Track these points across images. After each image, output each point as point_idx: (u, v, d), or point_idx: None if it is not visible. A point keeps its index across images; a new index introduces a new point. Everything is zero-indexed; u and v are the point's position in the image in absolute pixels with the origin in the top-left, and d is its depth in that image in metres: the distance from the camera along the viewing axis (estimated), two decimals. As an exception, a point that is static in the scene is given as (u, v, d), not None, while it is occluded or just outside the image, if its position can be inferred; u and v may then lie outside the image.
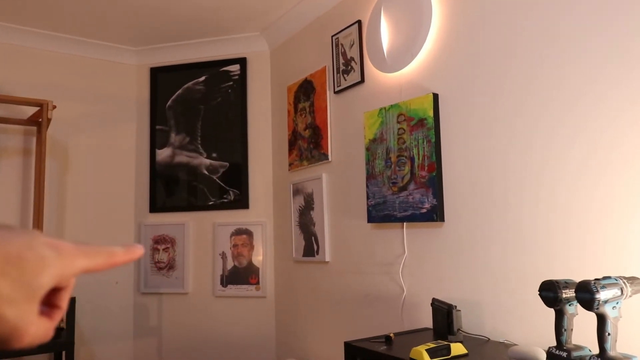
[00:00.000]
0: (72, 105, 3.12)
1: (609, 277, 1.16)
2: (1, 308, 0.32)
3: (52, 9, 2.75)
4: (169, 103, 3.27)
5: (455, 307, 1.66)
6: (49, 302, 0.37)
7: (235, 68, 3.18)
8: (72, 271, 0.36)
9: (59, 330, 2.51)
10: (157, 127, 3.28)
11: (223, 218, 3.11)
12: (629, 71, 1.37)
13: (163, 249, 3.18)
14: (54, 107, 2.66)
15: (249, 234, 3.05)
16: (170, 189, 3.21)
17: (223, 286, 3.05)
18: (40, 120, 2.64)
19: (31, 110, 2.79)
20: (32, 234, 0.35)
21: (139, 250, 0.42)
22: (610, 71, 1.42)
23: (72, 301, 2.53)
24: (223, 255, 3.07)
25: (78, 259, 0.36)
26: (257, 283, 3.01)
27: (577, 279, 1.44)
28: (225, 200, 3.10)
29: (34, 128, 2.93)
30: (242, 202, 3.08)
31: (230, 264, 3.06)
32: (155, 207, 3.22)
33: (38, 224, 2.56)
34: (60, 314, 0.38)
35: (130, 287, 3.23)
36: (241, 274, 3.04)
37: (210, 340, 3.07)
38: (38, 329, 0.35)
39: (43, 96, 3.01)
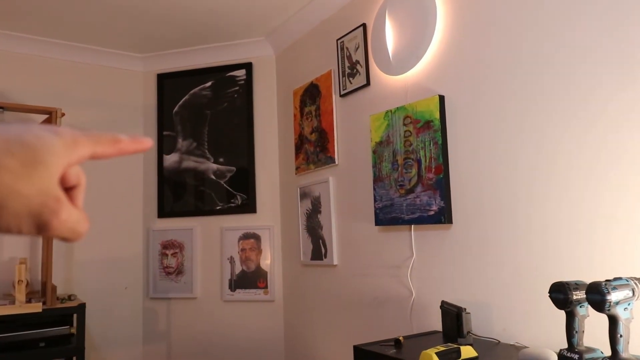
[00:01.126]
0: (80, 112, 3.15)
1: (620, 278, 1.15)
2: (18, 184, 0.30)
3: (60, 17, 2.78)
4: (175, 109, 3.29)
5: (465, 309, 1.65)
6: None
7: (241, 73, 3.19)
8: (78, 154, 0.34)
9: (68, 336, 2.52)
10: (165, 132, 3.29)
11: (231, 222, 3.12)
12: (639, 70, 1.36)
13: (171, 254, 3.19)
14: (63, 114, 2.68)
15: (256, 238, 3.06)
16: (177, 194, 3.23)
17: (231, 290, 3.06)
18: (48, 127, 2.66)
19: (40, 118, 2.81)
20: (26, 122, 0.33)
21: (147, 142, 0.39)
22: (618, 71, 1.41)
23: (82, 307, 2.55)
24: (231, 260, 3.08)
25: (81, 141, 0.35)
26: (266, 287, 3.01)
27: (588, 280, 1.43)
28: (233, 204, 3.11)
29: (43, 135, 2.95)
30: (249, 206, 3.08)
31: (238, 268, 3.06)
32: (163, 212, 3.24)
33: (48, 230, 2.58)
34: (83, 214, 0.36)
35: (139, 292, 3.24)
36: (249, 278, 3.04)
37: (219, 345, 3.07)
38: (70, 214, 0.34)
39: (52, 104, 3.03)
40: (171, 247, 3.20)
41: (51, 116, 2.62)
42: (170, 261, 3.19)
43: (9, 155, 0.30)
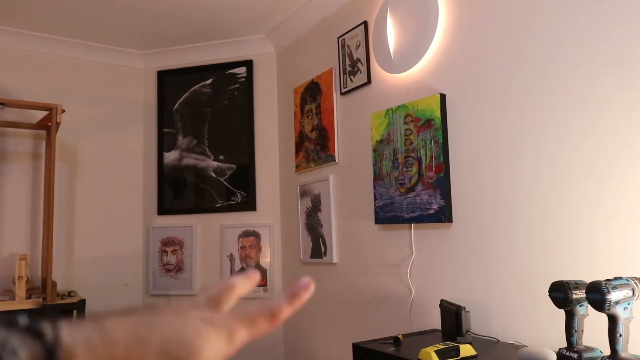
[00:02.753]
0: (80, 109, 3.15)
1: (620, 278, 1.15)
2: None
3: (60, 14, 2.77)
4: (176, 106, 3.29)
5: (464, 308, 1.65)
6: None
7: (241, 70, 3.19)
8: (235, 345, 0.33)
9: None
10: (165, 130, 3.29)
11: (230, 220, 3.12)
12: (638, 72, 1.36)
13: (171, 251, 3.19)
14: (63, 111, 2.68)
15: (256, 235, 3.06)
16: (178, 192, 3.22)
17: (231, 288, 3.05)
18: (49, 124, 2.66)
19: (40, 115, 2.81)
20: (183, 311, 0.32)
21: (307, 289, 0.37)
22: (618, 72, 1.41)
23: (82, 303, 2.55)
24: (231, 257, 3.08)
25: (236, 331, 0.33)
26: (265, 285, 3.01)
27: (588, 280, 1.43)
28: (233, 202, 3.11)
29: (44, 132, 2.95)
30: (249, 204, 3.08)
31: (238, 265, 3.07)
32: (163, 209, 3.24)
33: (48, 226, 2.58)
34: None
35: (139, 289, 3.24)
36: (249, 276, 3.04)
37: (218, 342, 3.07)
38: None
39: (52, 100, 3.02)
40: (171, 244, 3.20)
41: (51, 112, 2.62)
42: (170, 258, 3.19)
43: (163, 358, 0.30)
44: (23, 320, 0.28)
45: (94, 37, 3.10)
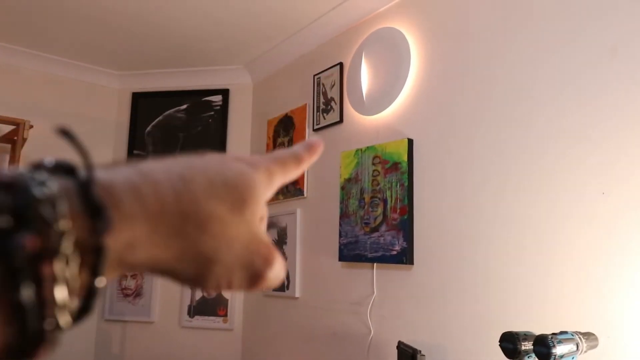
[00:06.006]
0: (49, 125, 3.10)
1: (565, 332, 1.20)
2: (228, 233, 0.26)
3: (35, 28, 2.76)
4: (148, 129, 3.27)
5: (420, 351, 1.67)
6: None
7: (217, 99, 3.21)
8: (274, 187, 0.31)
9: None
10: (135, 151, 3.26)
11: (195, 247, 3.08)
12: (596, 122, 1.45)
13: (131, 276, 3.12)
14: (31, 126, 2.63)
15: (220, 264, 3.02)
16: (143, 215, 3.18)
17: (190, 317, 3.00)
18: (15, 138, 2.61)
19: (7, 128, 2.75)
20: (219, 155, 0.30)
21: (319, 145, 0.35)
22: (580, 123, 1.49)
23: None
24: (192, 285, 3.03)
25: (275, 171, 0.31)
26: (225, 315, 2.97)
27: (538, 331, 1.48)
28: (199, 229, 3.08)
29: (8, 146, 2.89)
30: (215, 231, 3.06)
31: (198, 294, 3.02)
32: (127, 232, 3.18)
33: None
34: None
35: (94, 313, 3.14)
36: (209, 305, 3.00)
37: (173, 372, 2.99)
38: (279, 260, 0.29)
39: (21, 115, 2.97)
40: (132, 268, 3.13)
41: (18, 128, 2.57)
42: (129, 283, 3.12)
43: (216, 200, 0.27)
44: (48, 160, 0.25)
45: (70, 54, 3.08)
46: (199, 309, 3.00)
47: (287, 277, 2.59)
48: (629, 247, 1.33)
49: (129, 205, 0.24)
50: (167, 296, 3.07)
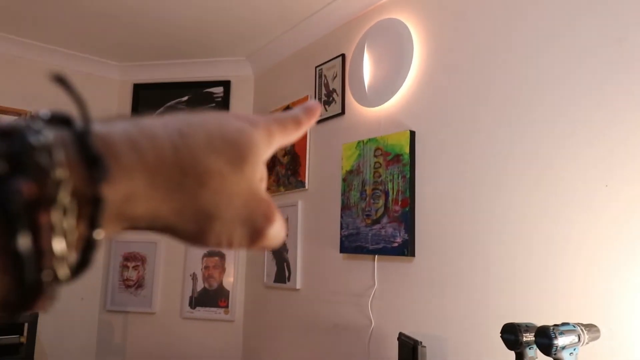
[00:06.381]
0: (50, 116, 3.09)
1: (567, 324, 1.20)
2: (227, 189, 0.26)
3: (37, 19, 2.75)
4: (149, 120, 3.26)
5: (421, 342, 1.68)
6: None
7: (219, 90, 3.21)
8: (273, 147, 0.31)
9: (18, 345, 2.43)
10: (136, 143, 3.26)
11: (196, 238, 3.08)
12: (592, 119, 1.45)
13: (133, 267, 3.13)
14: (32, 117, 2.63)
15: (221, 256, 3.03)
16: (144, 206, 3.18)
17: (191, 308, 3.01)
18: (16, 129, 2.61)
19: (9, 119, 2.75)
20: (219, 112, 0.29)
21: (317, 109, 0.35)
22: (584, 111, 1.49)
23: (34, 316, 2.47)
24: (193, 276, 3.04)
25: (274, 131, 0.31)
26: (227, 306, 2.98)
27: (539, 323, 1.48)
28: (200, 220, 3.08)
29: (10, 137, 2.89)
30: (216, 223, 3.06)
31: (200, 285, 3.03)
32: (128, 223, 3.18)
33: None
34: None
35: (96, 303, 3.16)
36: (211, 296, 3.01)
37: (174, 363, 3.01)
38: (279, 218, 0.29)
39: (22, 106, 2.97)
40: (133, 259, 3.14)
41: (20, 118, 2.57)
42: (130, 274, 3.13)
43: (215, 155, 0.26)
44: (44, 112, 0.24)
45: (71, 45, 3.07)
46: (200, 300, 3.01)
47: (289, 268, 2.60)
48: (630, 238, 1.33)
49: (127, 157, 0.24)
50: (168, 287, 3.08)
